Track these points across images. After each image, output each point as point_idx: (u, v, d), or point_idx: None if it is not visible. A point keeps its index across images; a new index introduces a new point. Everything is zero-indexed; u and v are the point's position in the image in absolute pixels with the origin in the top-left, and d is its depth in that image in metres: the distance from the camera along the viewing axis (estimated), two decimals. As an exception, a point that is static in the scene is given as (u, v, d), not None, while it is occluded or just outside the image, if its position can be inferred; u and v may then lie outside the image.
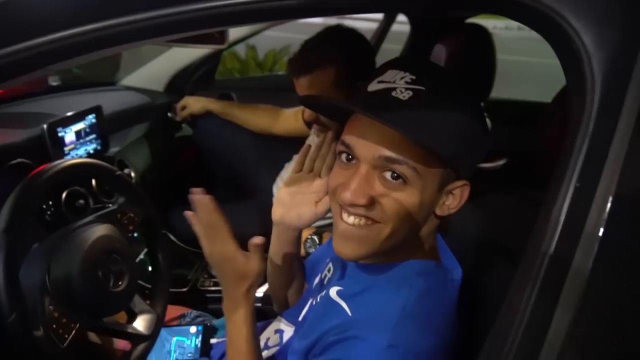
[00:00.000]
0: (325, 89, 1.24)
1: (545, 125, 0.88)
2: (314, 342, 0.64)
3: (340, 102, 0.62)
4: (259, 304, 1.24)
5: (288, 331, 0.81)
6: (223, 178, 1.81)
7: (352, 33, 1.27)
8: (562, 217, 0.47)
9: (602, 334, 0.50)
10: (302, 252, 1.35)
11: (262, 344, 0.82)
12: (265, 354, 0.80)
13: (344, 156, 0.63)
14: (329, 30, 1.27)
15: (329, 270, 0.76)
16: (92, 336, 1.02)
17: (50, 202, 1.06)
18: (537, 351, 0.49)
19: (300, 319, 0.77)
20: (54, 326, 0.71)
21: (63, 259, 0.77)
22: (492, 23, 1.51)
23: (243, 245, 1.52)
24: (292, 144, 1.77)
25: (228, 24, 0.52)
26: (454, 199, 0.63)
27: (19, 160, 0.97)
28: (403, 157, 0.57)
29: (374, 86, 0.60)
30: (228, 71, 3.82)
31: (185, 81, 1.90)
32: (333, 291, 0.67)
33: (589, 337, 0.50)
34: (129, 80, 1.83)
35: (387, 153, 0.57)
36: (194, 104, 1.74)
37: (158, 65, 1.86)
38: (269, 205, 1.56)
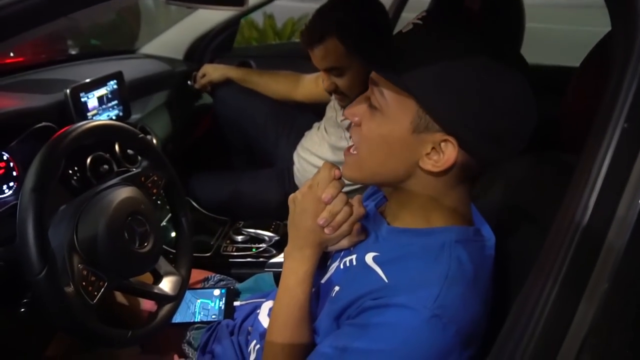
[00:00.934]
0: (340, 57, 1.22)
1: (574, 89, 0.85)
2: (346, 306, 0.63)
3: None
4: (281, 269, 1.25)
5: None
6: (243, 145, 1.81)
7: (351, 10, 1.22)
8: (603, 173, 0.46)
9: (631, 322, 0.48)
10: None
11: None
12: None
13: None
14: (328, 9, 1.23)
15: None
16: (119, 296, 1.05)
17: (76, 168, 1.08)
18: (561, 339, 0.48)
19: (323, 281, 0.77)
20: (84, 283, 0.73)
21: (90, 219, 0.78)
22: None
23: (263, 209, 1.53)
24: (311, 111, 1.75)
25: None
26: (438, 156, 0.60)
27: (43, 124, 0.98)
28: (381, 82, 0.60)
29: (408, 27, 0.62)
30: (246, 40, 3.79)
31: (204, 49, 1.88)
32: (369, 257, 0.66)
33: (616, 326, 0.48)
34: (149, 48, 1.82)
35: (374, 76, 0.62)
36: (213, 71, 1.73)
37: (176, 34, 1.85)
38: (289, 171, 1.58)
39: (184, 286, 0.93)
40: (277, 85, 1.72)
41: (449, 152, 0.59)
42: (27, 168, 0.72)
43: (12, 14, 0.40)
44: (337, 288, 0.68)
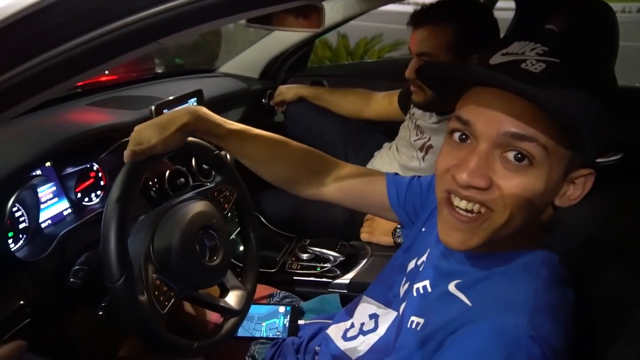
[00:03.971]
0: (438, 47, 1.21)
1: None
2: (429, 337, 0.60)
3: (470, 66, 0.57)
4: (345, 291, 1.24)
5: (382, 314, 0.78)
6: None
7: (478, 3, 1.26)
8: None
9: None
10: (391, 241, 1.33)
11: (357, 329, 0.81)
12: (362, 339, 0.78)
13: (457, 135, 0.57)
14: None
15: (426, 256, 0.72)
16: (187, 307, 1.08)
17: (155, 180, 1.15)
18: None
19: (395, 297, 0.75)
20: (156, 293, 0.76)
21: (165, 230, 0.81)
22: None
23: (329, 228, 1.52)
24: (381, 131, 1.74)
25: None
26: (576, 189, 0.57)
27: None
28: (532, 133, 0.51)
29: (497, 59, 0.55)
30: (320, 60, 3.87)
31: (278, 68, 1.94)
32: (452, 285, 0.62)
33: None
34: (227, 67, 1.91)
35: (514, 129, 0.52)
36: (287, 91, 1.78)
37: (253, 53, 1.92)
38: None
39: (249, 301, 0.94)
40: (348, 102, 1.73)
41: (587, 183, 0.56)
42: (114, 178, 0.77)
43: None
44: (419, 320, 0.64)
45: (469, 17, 1.20)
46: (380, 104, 1.68)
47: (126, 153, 0.76)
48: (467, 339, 0.54)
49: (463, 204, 0.56)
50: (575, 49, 0.55)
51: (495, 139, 0.53)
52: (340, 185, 0.87)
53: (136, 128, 0.79)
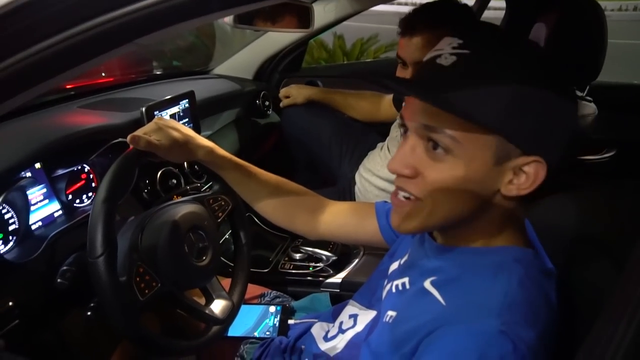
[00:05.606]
0: (424, 55, 1.20)
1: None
2: (406, 336, 0.60)
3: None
4: (337, 290, 1.24)
5: (362, 314, 0.79)
6: (306, 163, 1.84)
7: (465, 8, 1.24)
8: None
9: None
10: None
11: (336, 328, 0.82)
12: (341, 337, 0.79)
13: (402, 130, 0.62)
14: (444, 2, 1.23)
15: (408, 255, 0.73)
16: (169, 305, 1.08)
17: (147, 181, 1.15)
18: None
19: (374, 300, 0.76)
20: (137, 279, 0.76)
21: (154, 226, 0.82)
22: (603, 4, 1.36)
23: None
24: (376, 131, 1.74)
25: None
26: (527, 178, 0.56)
27: (120, 139, 1.06)
28: (439, 124, 0.55)
29: (428, 55, 0.59)
30: (315, 60, 3.87)
31: (272, 69, 1.95)
32: (427, 282, 0.63)
33: None
34: (221, 68, 1.92)
35: (424, 121, 0.56)
36: (298, 95, 1.77)
37: (247, 55, 1.92)
38: (351, 191, 1.57)
39: (233, 313, 0.93)
40: (362, 108, 1.74)
41: (538, 172, 0.56)
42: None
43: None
44: (392, 313, 0.66)
45: (455, 23, 1.19)
46: (391, 107, 1.69)
47: (130, 135, 0.80)
48: (441, 341, 0.55)
49: (399, 194, 0.61)
50: (488, 39, 0.57)
51: (416, 130, 0.58)
52: (334, 222, 0.92)
53: (159, 122, 0.83)
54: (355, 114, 1.75)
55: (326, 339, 0.82)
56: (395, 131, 1.47)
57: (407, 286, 0.67)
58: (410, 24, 1.22)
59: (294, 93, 1.78)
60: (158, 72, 2.11)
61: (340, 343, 0.77)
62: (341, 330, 0.80)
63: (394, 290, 0.70)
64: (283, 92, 1.80)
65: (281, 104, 1.80)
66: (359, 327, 0.77)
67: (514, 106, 0.53)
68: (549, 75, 0.56)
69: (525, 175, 0.57)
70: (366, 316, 0.77)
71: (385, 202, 0.91)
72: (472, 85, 0.54)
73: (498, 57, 0.55)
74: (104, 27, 0.37)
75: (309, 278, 1.27)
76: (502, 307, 0.54)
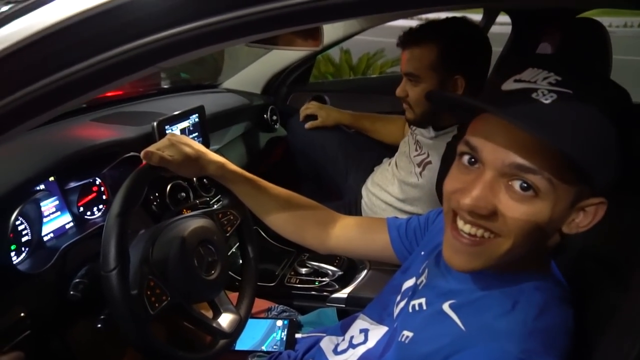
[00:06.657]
0: (422, 68, 1.25)
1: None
2: (422, 359, 0.61)
3: (472, 100, 0.56)
4: (343, 305, 1.25)
5: (372, 329, 0.79)
6: (312, 177, 1.85)
7: (468, 24, 1.27)
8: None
9: None
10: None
11: (346, 342, 0.82)
12: (352, 352, 0.79)
13: (465, 158, 0.57)
14: (448, 18, 1.27)
15: (425, 276, 0.73)
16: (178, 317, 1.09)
17: (157, 194, 1.16)
18: None
19: (388, 318, 0.76)
20: (148, 292, 0.77)
21: (165, 240, 0.84)
22: (608, 20, 1.38)
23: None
24: (382, 146, 1.76)
25: (318, 20, 0.51)
26: (586, 217, 0.56)
27: (131, 153, 1.07)
28: (538, 166, 0.51)
29: (510, 85, 0.54)
30: (322, 75, 3.91)
31: (280, 84, 1.97)
32: (446, 305, 0.63)
33: None
34: (230, 83, 1.95)
35: (520, 160, 0.52)
36: (327, 117, 1.74)
37: (256, 69, 1.96)
38: (357, 205, 1.58)
39: (240, 327, 0.94)
40: (390, 133, 1.75)
41: (598, 211, 0.56)
42: (116, 193, 0.79)
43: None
44: (409, 334, 0.66)
45: (454, 37, 1.23)
46: None
47: (144, 151, 0.82)
48: None
49: (467, 227, 0.56)
50: (588, 79, 0.55)
51: (500, 168, 0.53)
52: (344, 236, 0.91)
53: (172, 139, 0.85)
54: (382, 137, 1.77)
55: (336, 352, 0.82)
56: (404, 146, 1.49)
57: (424, 307, 0.67)
58: (401, 38, 1.28)
59: (324, 115, 1.74)
60: (167, 84, 2.14)
61: (351, 358, 0.78)
62: (352, 345, 0.80)
63: (410, 310, 0.70)
64: (309, 110, 1.77)
65: (307, 125, 1.75)
66: (371, 342, 0.77)
67: (605, 153, 0.53)
68: (622, 111, 0.55)
69: (585, 213, 0.56)
70: (377, 331, 0.77)
71: (396, 217, 0.92)
72: (574, 127, 0.51)
73: (598, 101, 0.53)
74: (130, 53, 0.39)
75: (314, 292, 1.28)
76: (521, 335, 0.54)
